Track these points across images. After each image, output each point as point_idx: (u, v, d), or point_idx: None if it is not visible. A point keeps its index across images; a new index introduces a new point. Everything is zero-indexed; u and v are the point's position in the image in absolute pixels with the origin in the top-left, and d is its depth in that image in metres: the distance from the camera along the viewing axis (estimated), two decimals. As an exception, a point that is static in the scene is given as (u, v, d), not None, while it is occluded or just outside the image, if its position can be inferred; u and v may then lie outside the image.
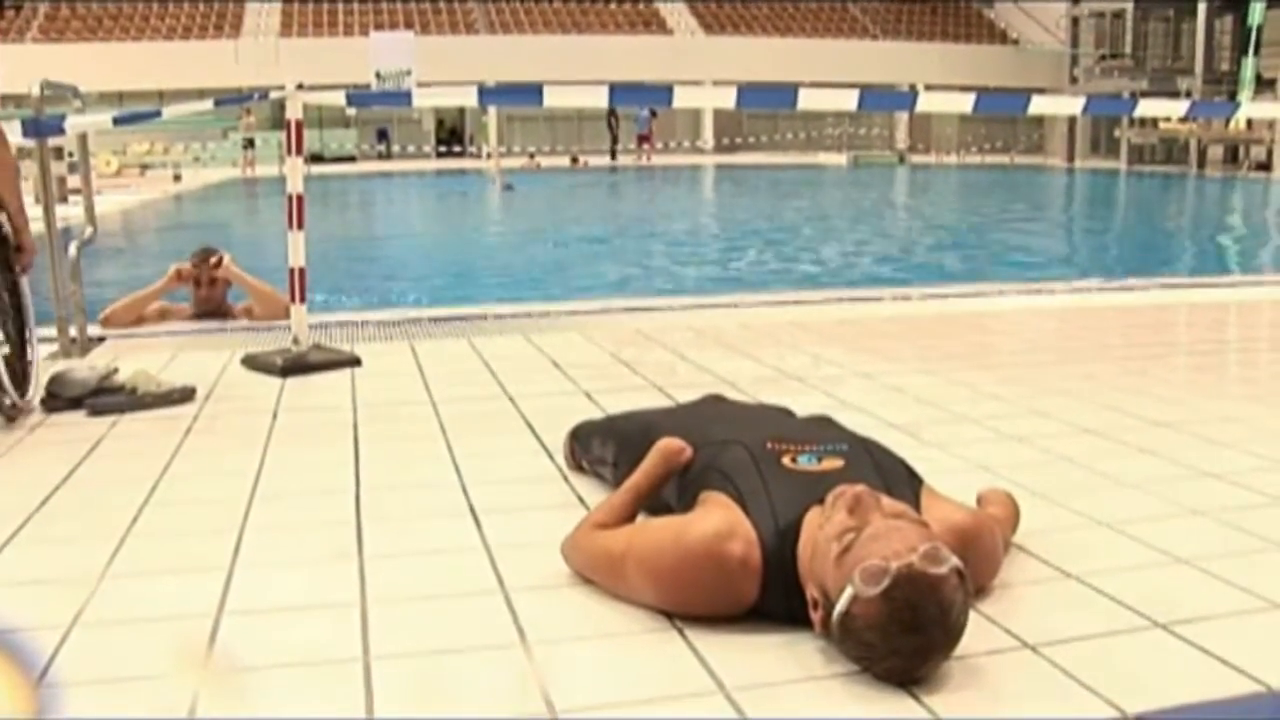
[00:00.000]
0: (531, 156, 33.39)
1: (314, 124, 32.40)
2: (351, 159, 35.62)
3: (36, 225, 3.70)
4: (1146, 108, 6.58)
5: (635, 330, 4.85)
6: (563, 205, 20.59)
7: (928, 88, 32.76)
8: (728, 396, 2.86)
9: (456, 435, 3.16)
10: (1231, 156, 30.81)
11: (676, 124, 39.16)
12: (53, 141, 4.63)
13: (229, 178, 28.44)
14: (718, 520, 1.89)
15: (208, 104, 4.77)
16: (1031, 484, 2.59)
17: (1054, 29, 39.62)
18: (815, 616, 1.77)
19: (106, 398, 3.51)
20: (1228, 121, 28.41)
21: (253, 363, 4.14)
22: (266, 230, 11.65)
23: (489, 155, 32.16)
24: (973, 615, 1.76)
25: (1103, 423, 3.21)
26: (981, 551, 1.96)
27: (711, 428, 2.27)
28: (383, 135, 38.28)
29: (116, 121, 5.05)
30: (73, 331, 4.50)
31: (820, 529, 1.80)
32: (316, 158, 30.49)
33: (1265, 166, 29.15)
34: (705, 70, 34.65)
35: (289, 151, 4.24)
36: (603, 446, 2.63)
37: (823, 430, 2.31)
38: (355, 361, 4.18)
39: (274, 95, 4.33)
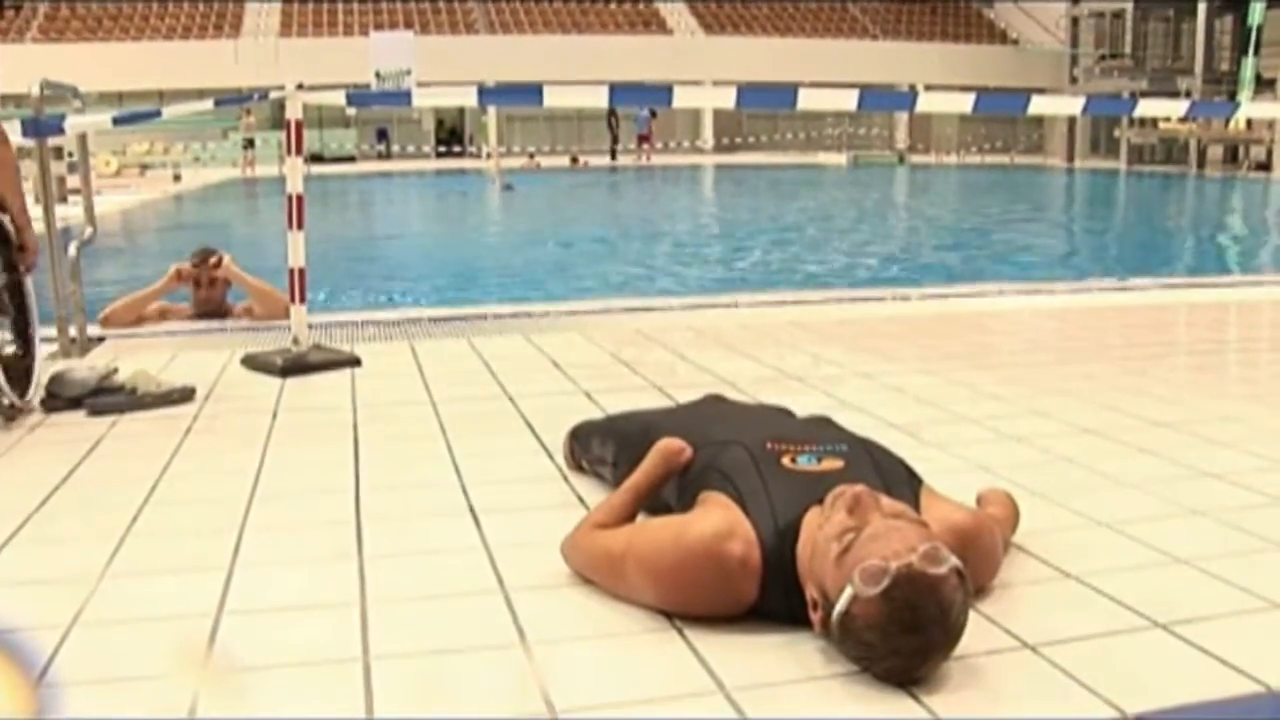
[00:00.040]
0: (531, 156, 33.39)
1: (314, 124, 32.41)
2: (351, 159, 35.62)
3: (36, 225, 3.70)
4: (1146, 108, 6.58)
5: (635, 330, 4.85)
6: (563, 205, 20.60)
7: (928, 88, 32.77)
8: (728, 396, 2.86)
9: (456, 435, 3.16)
10: (1231, 156, 30.82)
11: (676, 124, 39.16)
12: (52, 141, 4.63)
13: (229, 178, 28.45)
14: (717, 520, 1.89)
15: (208, 104, 4.77)
16: (1031, 484, 2.59)
17: (1054, 29, 39.62)
18: (815, 616, 1.77)
19: (106, 398, 3.51)
20: (1228, 121, 28.41)
21: (252, 363, 4.14)
22: (266, 230, 11.65)
23: (489, 155, 32.16)
24: (972, 615, 1.76)
25: (1102, 423, 3.21)
26: (981, 551, 1.96)
27: (711, 428, 2.27)
28: (382, 135, 38.29)
29: (116, 121, 5.05)
30: (72, 331, 4.50)
31: (820, 529, 1.80)
32: (316, 158, 30.50)
33: (1265, 166, 29.16)
34: (705, 70, 34.65)
35: (289, 151, 4.24)
36: (602, 446, 2.63)
37: (822, 430, 2.31)
38: (355, 361, 4.18)
39: (274, 95, 4.33)
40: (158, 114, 5.12)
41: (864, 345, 4.52)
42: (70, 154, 6.23)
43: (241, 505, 2.56)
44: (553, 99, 4.67)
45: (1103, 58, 36.42)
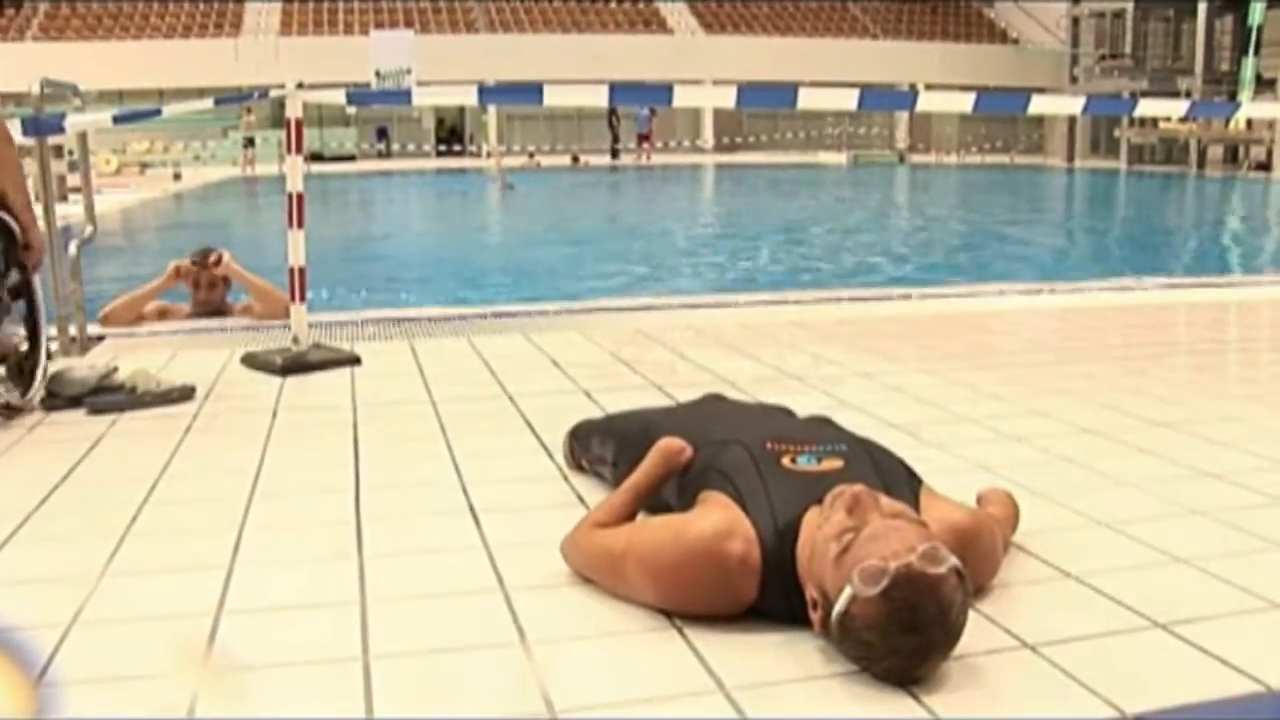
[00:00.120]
0: (531, 155, 33.39)
1: (314, 123, 32.44)
2: (351, 158, 35.63)
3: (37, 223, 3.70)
4: (1146, 108, 6.57)
5: (635, 330, 4.85)
6: (563, 205, 20.59)
7: (928, 87, 32.78)
8: (728, 396, 2.86)
9: (456, 434, 3.16)
10: (1231, 156, 30.83)
11: (676, 123, 39.17)
12: (52, 140, 4.63)
13: (229, 176, 28.46)
14: (717, 519, 1.89)
15: (208, 103, 4.77)
16: (1031, 484, 2.59)
17: (1054, 29, 39.63)
18: (814, 616, 1.77)
19: (106, 396, 3.51)
20: (1228, 121, 28.43)
21: (252, 361, 4.14)
22: (266, 229, 11.65)
23: (489, 154, 32.15)
24: (972, 615, 1.76)
25: (1102, 422, 3.21)
26: (981, 551, 1.96)
27: (711, 428, 2.27)
28: (383, 134, 38.29)
29: (116, 120, 5.04)
30: (72, 330, 4.50)
31: (819, 529, 1.80)
32: (316, 156, 30.50)
33: (1265, 166, 29.17)
34: (705, 70, 34.65)
35: (289, 150, 4.24)
36: (602, 446, 2.63)
37: (822, 430, 2.31)
38: (355, 360, 4.18)
39: (274, 94, 4.33)
40: (158, 113, 5.11)
41: (864, 345, 4.52)
42: (70, 152, 6.22)
43: (241, 504, 2.56)
44: (553, 98, 4.67)
45: (1103, 58, 36.42)
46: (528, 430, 3.20)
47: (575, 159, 34.37)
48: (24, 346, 3.55)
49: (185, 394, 3.63)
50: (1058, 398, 3.53)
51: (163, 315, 5.36)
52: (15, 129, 4.10)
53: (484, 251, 13.30)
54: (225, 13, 38.16)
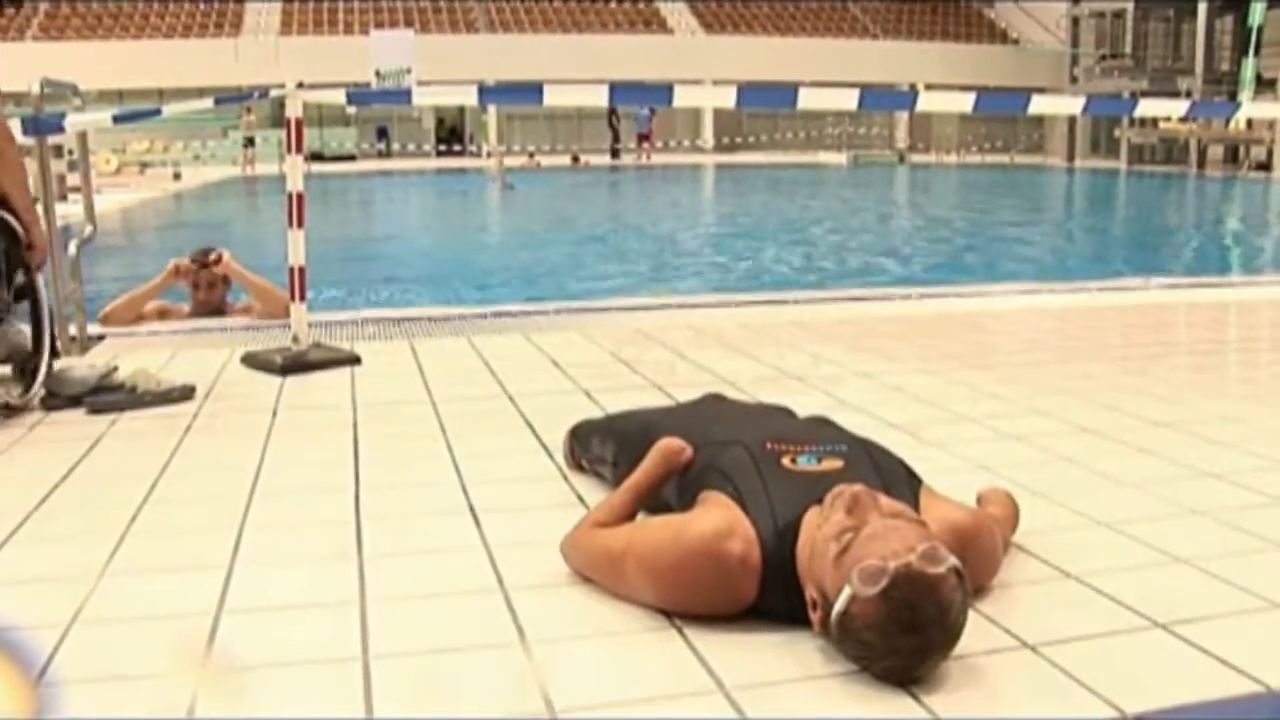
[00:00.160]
0: (531, 155, 33.40)
1: (314, 122, 32.43)
2: (351, 157, 35.63)
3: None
4: (1146, 108, 6.58)
5: (635, 330, 4.85)
6: (563, 204, 20.59)
7: (928, 87, 32.78)
8: (728, 396, 2.86)
9: (456, 434, 3.16)
10: (1231, 156, 30.83)
11: (677, 123, 39.18)
12: (52, 140, 4.63)
13: (229, 176, 28.46)
14: (717, 519, 1.89)
15: (208, 102, 4.77)
16: (1031, 484, 2.59)
17: (1054, 29, 39.63)
18: (814, 616, 1.77)
19: (106, 396, 3.51)
20: (1228, 121, 28.43)
21: (252, 361, 4.14)
22: (266, 229, 11.65)
23: (489, 154, 32.14)
24: (972, 615, 1.76)
25: (1102, 422, 3.21)
26: (980, 551, 1.96)
27: (711, 428, 2.27)
28: (383, 134, 38.30)
29: (116, 120, 5.04)
30: (72, 330, 4.50)
31: (819, 529, 1.80)
32: (316, 156, 30.50)
33: (1265, 166, 29.17)
34: (705, 70, 34.66)
35: (289, 150, 4.24)
36: (602, 446, 2.63)
37: (822, 431, 2.31)
38: (355, 360, 4.18)
39: (274, 93, 4.33)
40: (158, 112, 5.11)
41: (864, 345, 4.52)
42: (70, 152, 6.22)
43: (241, 504, 2.56)
44: (553, 98, 4.67)
45: (1103, 58, 36.43)
46: (528, 430, 3.20)
47: (575, 159, 34.37)
48: (28, 345, 3.56)
49: (185, 393, 3.63)
50: (1057, 397, 3.53)
51: (163, 315, 5.36)
52: (15, 129, 4.11)
53: (484, 251, 13.30)
54: (225, 13, 38.16)
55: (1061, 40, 38.95)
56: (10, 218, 3.46)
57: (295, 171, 4.22)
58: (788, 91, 4.90)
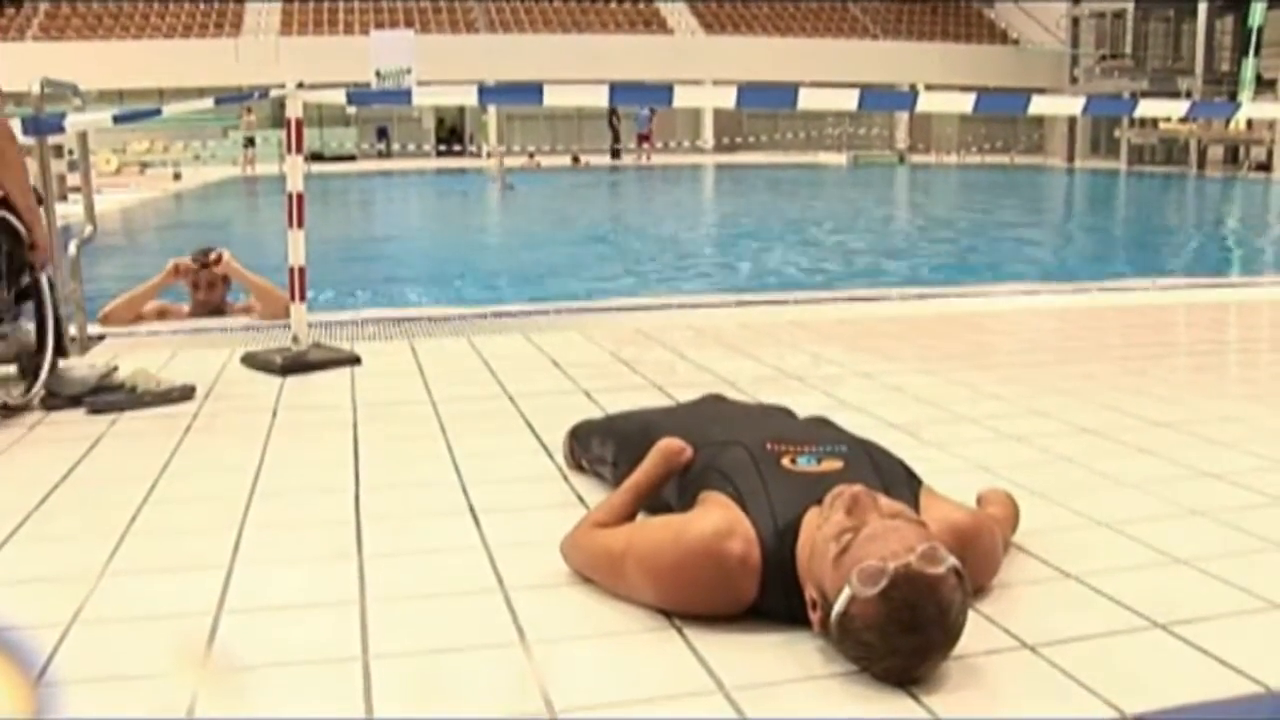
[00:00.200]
0: (531, 156, 33.40)
1: (314, 122, 32.44)
2: (351, 158, 35.63)
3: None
4: (1146, 108, 6.58)
5: (635, 330, 4.85)
6: (563, 205, 20.59)
7: (928, 88, 32.77)
8: (728, 396, 2.86)
9: (456, 434, 3.16)
10: (1231, 157, 30.83)
11: (677, 123, 39.17)
12: (52, 140, 4.63)
13: (229, 176, 28.46)
14: (717, 519, 1.89)
15: (208, 102, 4.77)
16: (1031, 484, 2.59)
17: (1054, 29, 39.64)
18: (814, 616, 1.77)
19: (106, 396, 3.51)
20: (1228, 122, 28.43)
21: (252, 361, 4.14)
22: (266, 229, 11.65)
23: (489, 154, 32.14)
24: (972, 615, 1.76)
25: (1102, 422, 3.21)
26: (980, 551, 1.96)
27: (711, 428, 2.27)
28: (383, 134, 38.30)
29: (116, 120, 5.04)
30: (72, 330, 4.49)
31: (818, 529, 1.80)
32: (316, 156, 30.50)
33: (1265, 167, 29.17)
34: (705, 70, 34.66)
35: (289, 150, 4.24)
36: (602, 446, 2.63)
37: (822, 431, 2.31)
38: (355, 360, 4.18)
39: (274, 94, 4.33)
40: (158, 112, 5.11)
41: (864, 345, 4.52)
42: (70, 152, 6.21)
43: (241, 504, 2.56)
44: (553, 98, 4.67)
45: (1103, 58, 36.43)
46: (528, 430, 3.20)
47: (575, 159, 34.37)
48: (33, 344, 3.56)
49: (185, 393, 3.63)
50: (1057, 398, 3.53)
51: (162, 315, 5.36)
52: (16, 129, 4.11)
53: (484, 251, 13.30)
54: (225, 13, 38.17)
55: (1061, 40, 38.95)
56: (12, 218, 3.46)
57: (295, 171, 4.22)
58: (788, 92, 4.90)
